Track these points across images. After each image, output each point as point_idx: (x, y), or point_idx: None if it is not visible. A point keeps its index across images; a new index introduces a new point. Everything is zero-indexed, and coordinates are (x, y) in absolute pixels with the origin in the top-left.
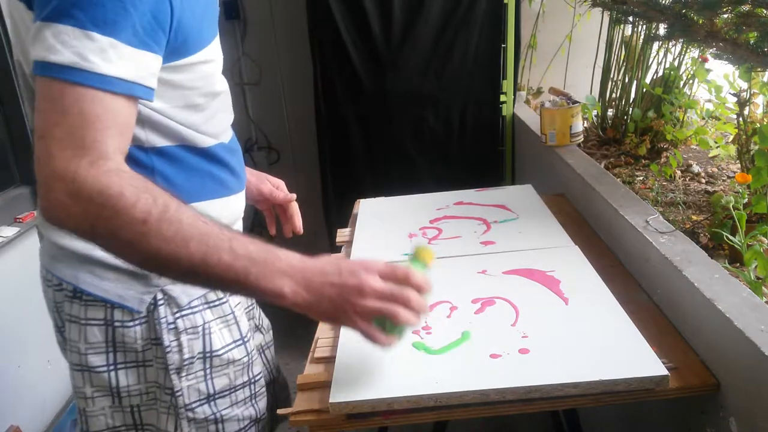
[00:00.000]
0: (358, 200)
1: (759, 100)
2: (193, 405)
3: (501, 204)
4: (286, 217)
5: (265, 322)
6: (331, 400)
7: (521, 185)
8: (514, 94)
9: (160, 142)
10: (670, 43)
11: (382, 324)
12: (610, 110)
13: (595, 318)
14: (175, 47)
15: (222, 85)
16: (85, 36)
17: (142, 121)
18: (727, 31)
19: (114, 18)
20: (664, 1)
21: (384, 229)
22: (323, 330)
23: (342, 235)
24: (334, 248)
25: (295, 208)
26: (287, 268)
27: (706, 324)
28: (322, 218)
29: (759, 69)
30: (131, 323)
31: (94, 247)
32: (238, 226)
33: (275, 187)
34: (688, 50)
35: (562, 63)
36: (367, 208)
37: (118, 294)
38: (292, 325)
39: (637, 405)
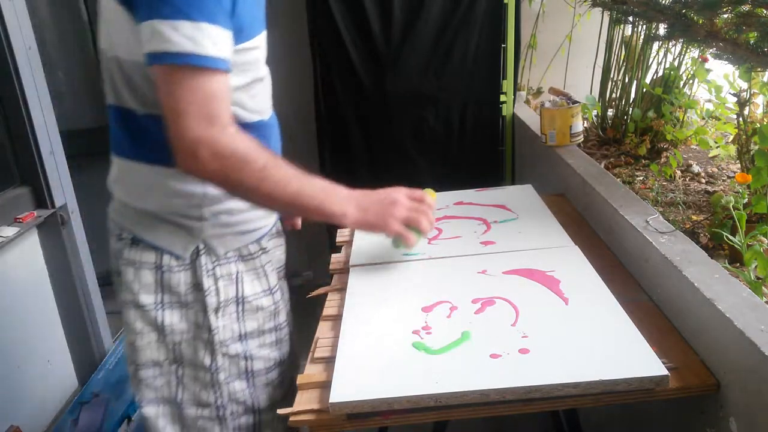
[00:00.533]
0: None
1: (759, 100)
2: (227, 342)
3: (501, 204)
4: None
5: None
6: (331, 400)
7: (521, 185)
8: (514, 94)
9: None
10: (670, 43)
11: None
12: (610, 110)
13: (595, 318)
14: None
15: (265, 70)
16: (196, 28)
17: None
18: (727, 31)
19: (211, 9)
20: (664, 1)
21: None
22: (323, 330)
23: (342, 235)
24: (334, 248)
25: None
26: (346, 196)
27: (706, 324)
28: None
29: (759, 69)
30: (177, 268)
31: (149, 204)
32: None
33: None
34: (688, 50)
35: (562, 63)
36: None
37: (168, 242)
38: None
39: (637, 405)
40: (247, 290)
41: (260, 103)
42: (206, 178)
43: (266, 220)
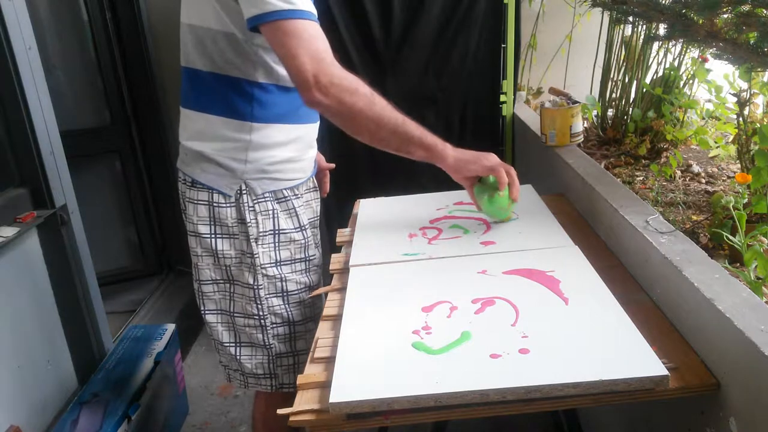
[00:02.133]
0: (358, 200)
1: (759, 100)
2: (266, 265)
3: None
4: (318, 179)
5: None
6: (331, 400)
7: (521, 185)
8: (514, 94)
9: (263, 79)
10: (670, 43)
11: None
12: (610, 110)
13: (595, 318)
14: None
15: None
16: None
17: (256, 63)
18: (727, 31)
19: None
20: (664, 1)
21: (384, 229)
22: (323, 330)
23: (342, 235)
24: (334, 248)
25: (327, 176)
26: (441, 140)
27: (706, 324)
28: (323, 218)
29: (759, 69)
30: (225, 205)
31: (206, 147)
32: (314, 150)
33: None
34: (688, 50)
35: (562, 63)
36: (367, 208)
37: (217, 183)
38: None
39: (637, 405)
40: (282, 225)
41: None
42: (328, 105)
43: (298, 173)
